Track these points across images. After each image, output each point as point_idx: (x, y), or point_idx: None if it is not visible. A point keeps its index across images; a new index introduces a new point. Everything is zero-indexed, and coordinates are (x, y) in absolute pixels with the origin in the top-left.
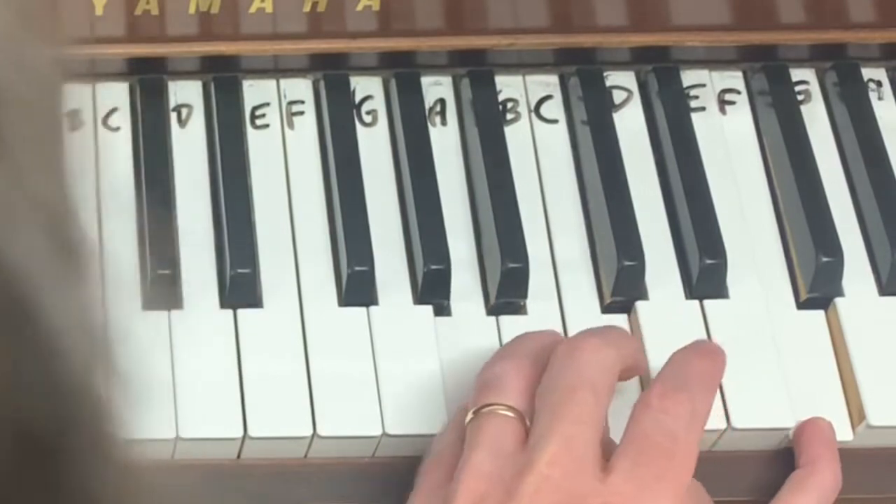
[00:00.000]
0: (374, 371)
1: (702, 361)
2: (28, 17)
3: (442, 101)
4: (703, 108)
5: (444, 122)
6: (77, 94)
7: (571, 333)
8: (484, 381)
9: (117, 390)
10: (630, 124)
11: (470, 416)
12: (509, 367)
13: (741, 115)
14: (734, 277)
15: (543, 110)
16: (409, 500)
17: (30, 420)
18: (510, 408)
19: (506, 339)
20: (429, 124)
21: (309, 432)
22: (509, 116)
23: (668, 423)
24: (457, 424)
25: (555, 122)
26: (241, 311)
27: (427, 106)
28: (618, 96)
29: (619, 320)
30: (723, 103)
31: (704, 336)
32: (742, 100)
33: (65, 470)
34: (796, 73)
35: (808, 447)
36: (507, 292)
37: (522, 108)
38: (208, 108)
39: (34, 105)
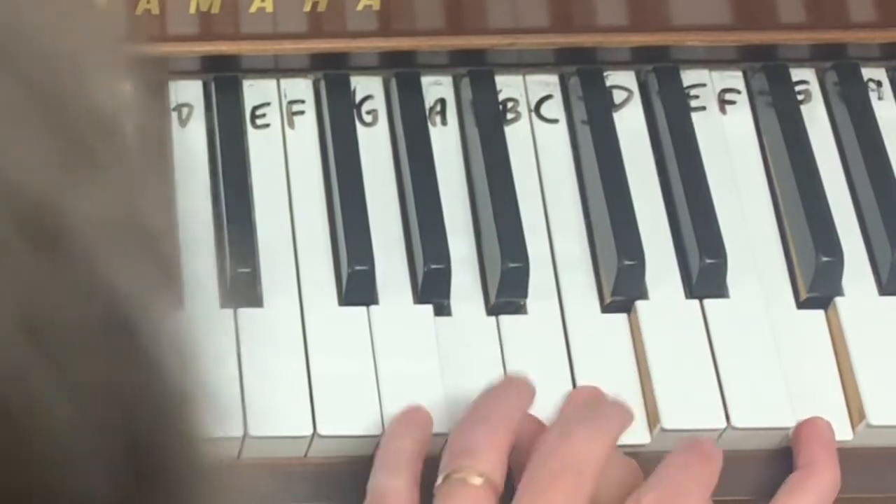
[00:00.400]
0: (375, 371)
1: (699, 466)
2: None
3: (442, 101)
4: (703, 108)
5: (444, 122)
6: None
7: (572, 333)
8: (458, 447)
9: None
10: (630, 124)
11: (440, 479)
12: (484, 435)
13: (741, 115)
14: (734, 277)
15: (544, 110)
16: None
17: (138, 433)
18: (483, 476)
19: (506, 339)
20: (429, 124)
21: (309, 432)
22: (509, 116)
23: None
24: (401, 465)
25: (555, 121)
26: (241, 311)
27: (427, 106)
28: (618, 96)
29: (619, 320)
30: (723, 103)
31: (704, 336)
32: (742, 99)
33: (168, 479)
34: (796, 73)
35: (807, 448)
36: (507, 292)
37: (523, 108)
38: (208, 108)
39: (134, 120)
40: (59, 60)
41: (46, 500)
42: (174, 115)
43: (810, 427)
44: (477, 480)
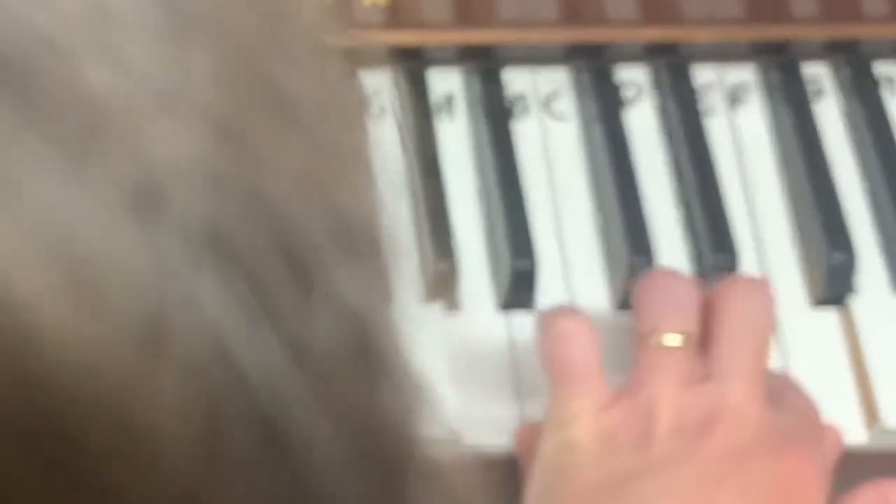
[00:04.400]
0: None
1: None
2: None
3: (450, 96)
4: (714, 104)
5: (452, 118)
6: None
7: None
8: (659, 302)
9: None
10: (641, 119)
11: (652, 341)
12: (684, 286)
13: (753, 111)
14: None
15: (553, 105)
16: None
17: (385, 450)
18: (689, 334)
19: (516, 337)
20: (437, 119)
21: None
22: (518, 111)
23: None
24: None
25: (565, 117)
26: None
27: (435, 101)
28: (629, 91)
29: (630, 317)
30: (735, 99)
31: None
32: (754, 95)
33: (412, 494)
34: (809, 69)
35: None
36: (517, 290)
37: (532, 103)
38: None
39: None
40: (310, 87)
41: None
42: None
43: None
44: (686, 342)
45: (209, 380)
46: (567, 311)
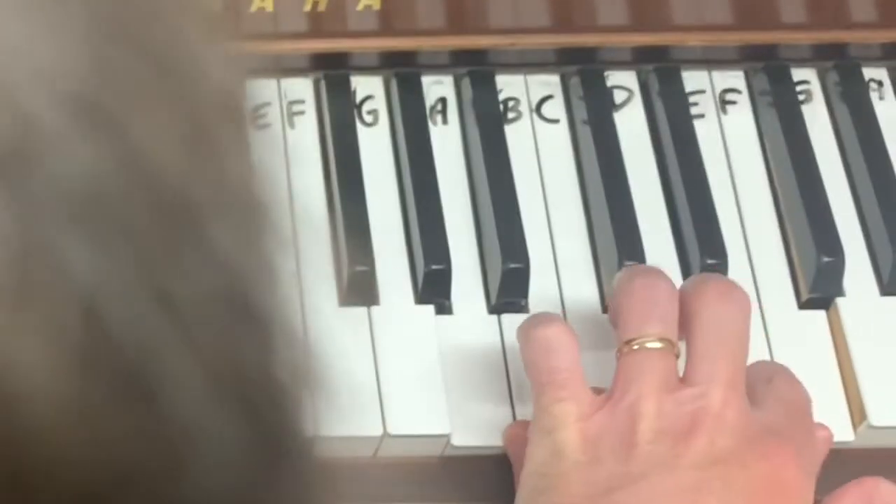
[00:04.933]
0: (375, 371)
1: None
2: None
3: (443, 101)
4: (704, 108)
5: (445, 122)
6: None
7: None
8: (639, 309)
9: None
10: (631, 124)
11: (634, 347)
12: (665, 292)
13: (742, 115)
14: (735, 277)
15: (544, 110)
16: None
17: (259, 412)
18: (669, 341)
19: (507, 339)
20: (430, 124)
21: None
22: (510, 116)
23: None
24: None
25: (556, 121)
26: None
27: (428, 105)
28: (619, 96)
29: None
30: (724, 103)
31: None
32: (743, 100)
33: (284, 464)
34: (797, 73)
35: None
36: (508, 292)
37: (524, 108)
38: None
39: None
40: (183, 47)
41: (177, 474)
42: None
43: None
44: (665, 347)
45: (74, 336)
46: (549, 317)
